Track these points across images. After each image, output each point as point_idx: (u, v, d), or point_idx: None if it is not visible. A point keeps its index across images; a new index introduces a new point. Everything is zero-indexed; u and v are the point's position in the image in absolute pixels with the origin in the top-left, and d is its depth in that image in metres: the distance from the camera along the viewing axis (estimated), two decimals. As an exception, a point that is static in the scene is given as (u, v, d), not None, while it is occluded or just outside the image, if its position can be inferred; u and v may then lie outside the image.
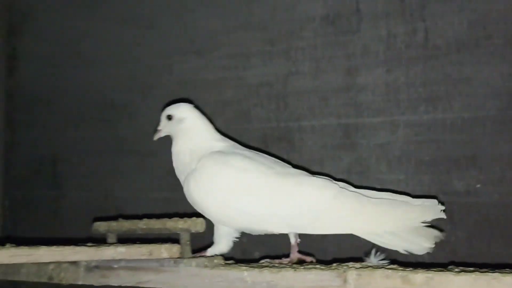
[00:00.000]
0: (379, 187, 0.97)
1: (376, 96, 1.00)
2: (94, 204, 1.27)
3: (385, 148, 0.98)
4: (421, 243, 0.70)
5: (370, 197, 0.72)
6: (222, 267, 0.61)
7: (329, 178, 0.78)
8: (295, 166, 0.91)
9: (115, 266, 0.67)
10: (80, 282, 0.70)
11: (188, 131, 0.83)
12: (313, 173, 0.86)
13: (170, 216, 0.73)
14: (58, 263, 0.72)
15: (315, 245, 0.99)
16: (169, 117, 0.85)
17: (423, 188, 0.95)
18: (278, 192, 0.71)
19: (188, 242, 0.67)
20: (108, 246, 0.63)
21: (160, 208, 1.17)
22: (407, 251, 0.72)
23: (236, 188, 0.71)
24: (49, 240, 0.74)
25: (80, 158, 1.31)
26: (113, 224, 0.76)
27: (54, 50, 1.38)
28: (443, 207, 0.72)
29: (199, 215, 0.72)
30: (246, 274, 0.58)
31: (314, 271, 0.56)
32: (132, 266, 0.65)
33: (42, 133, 1.38)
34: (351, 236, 0.76)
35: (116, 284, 0.68)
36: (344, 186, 0.75)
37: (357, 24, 1.02)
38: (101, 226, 0.78)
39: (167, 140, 1.19)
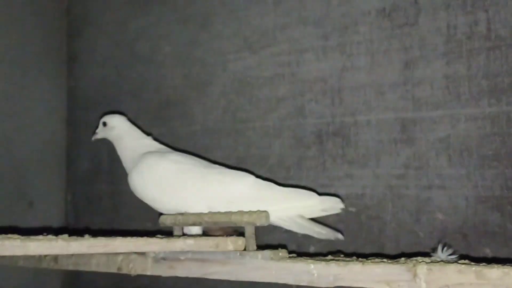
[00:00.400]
0: (439, 182, 0.95)
1: (435, 89, 0.98)
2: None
3: (445, 142, 0.96)
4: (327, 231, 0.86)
5: (280, 187, 0.87)
6: (288, 260, 0.62)
7: (247, 173, 0.93)
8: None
9: (182, 257, 0.69)
10: (148, 273, 0.73)
11: (121, 137, 1.03)
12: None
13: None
14: (127, 255, 0.75)
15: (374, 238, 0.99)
16: (104, 124, 1.05)
17: (486, 183, 0.92)
18: (204, 180, 0.88)
19: (253, 235, 0.68)
20: (178, 238, 0.65)
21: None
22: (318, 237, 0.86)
23: (170, 177, 0.88)
24: (116, 232, 0.77)
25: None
26: (179, 217, 0.78)
27: (111, 51, 1.43)
28: (342, 205, 0.90)
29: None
30: (312, 267, 0.59)
31: (382, 265, 0.56)
32: (199, 258, 0.67)
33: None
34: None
35: (183, 275, 0.70)
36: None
37: (415, 16, 1.00)
38: (167, 219, 0.81)
39: (223, 138, 1.22)
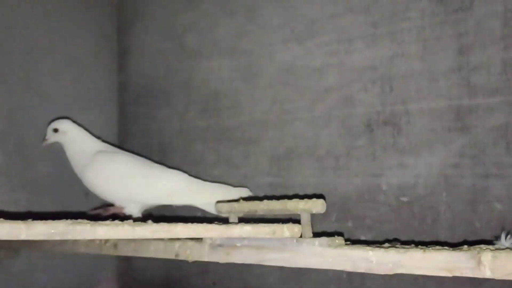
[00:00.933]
0: (496, 171, 0.93)
1: (491, 75, 0.95)
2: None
3: (503, 130, 0.93)
4: None
5: (206, 182, 1.14)
6: (345, 247, 0.62)
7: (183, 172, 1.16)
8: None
9: (239, 244, 0.70)
10: (205, 259, 0.75)
11: (73, 140, 1.13)
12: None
13: (290, 197, 0.75)
14: (184, 241, 0.77)
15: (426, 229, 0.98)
16: (55, 130, 1.14)
17: (547, 172, 0.89)
18: (149, 175, 1.10)
19: (309, 223, 0.69)
20: (236, 225, 0.67)
21: (265, 193, 1.21)
22: None
23: (121, 172, 1.07)
24: (175, 218, 0.79)
25: (187, 147, 1.39)
26: (235, 205, 0.80)
27: (160, 45, 1.47)
28: (250, 193, 1.14)
29: (319, 196, 0.74)
30: (371, 253, 0.59)
31: (444, 252, 0.55)
32: (255, 244, 0.68)
33: (151, 123, 1.48)
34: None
35: (239, 262, 0.72)
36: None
37: (470, 1, 0.97)
38: (223, 207, 0.82)
39: (270, 129, 1.23)
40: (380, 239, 1.02)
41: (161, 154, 1.45)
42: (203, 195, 1.09)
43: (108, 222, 0.60)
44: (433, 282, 0.95)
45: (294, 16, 1.21)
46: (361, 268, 0.60)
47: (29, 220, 0.56)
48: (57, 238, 0.56)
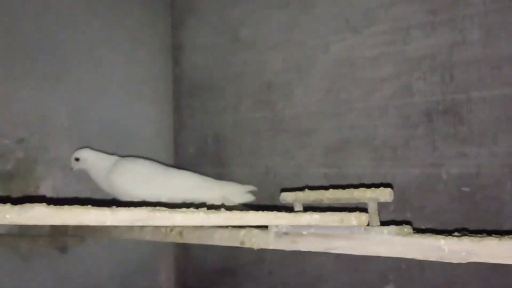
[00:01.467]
0: None
1: (561, 61, 0.91)
2: (256, 179, 1.36)
3: None
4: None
5: (215, 180, 1.25)
6: (416, 235, 0.62)
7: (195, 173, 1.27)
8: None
9: (305, 232, 0.72)
10: (270, 247, 0.77)
11: (94, 164, 1.23)
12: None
13: (355, 186, 0.76)
14: (249, 229, 0.79)
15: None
16: (77, 159, 1.24)
17: None
18: (164, 175, 1.22)
19: (376, 211, 0.69)
20: (304, 213, 0.68)
21: (319, 183, 1.22)
22: None
23: (142, 173, 1.20)
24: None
25: (241, 138, 1.42)
26: (300, 194, 0.81)
27: (214, 39, 1.50)
28: (255, 189, 1.24)
29: (386, 185, 0.74)
30: (443, 242, 0.59)
31: (521, 241, 0.54)
32: (321, 233, 0.69)
33: (206, 116, 1.51)
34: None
35: (305, 249, 0.73)
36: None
37: (537, -16, 0.94)
38: (288, 196, 0.84)
39: (325, 120, 1.24)
40: (441, 229, 1.01)
41: (215, 146, 1.48)
42: (212, 191, 1.21)
43: (184, 209, 0.62)
44: (499, 272, 0.94)
45: (349, 6, 1.20)
46: (433, 256, 0.60)
47: (114, 207, 0.59)
48: (138, 224, 0.59)
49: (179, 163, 1.59)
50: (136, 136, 1.51)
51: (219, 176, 1.46)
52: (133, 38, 1.52)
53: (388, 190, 0.69)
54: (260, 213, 0.65)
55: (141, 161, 1.25)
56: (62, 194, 1.30)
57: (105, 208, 0.58)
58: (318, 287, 1.22)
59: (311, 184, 1.23)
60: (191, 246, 1.48)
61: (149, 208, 0.60)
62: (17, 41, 1.26)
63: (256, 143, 1.38)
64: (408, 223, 1.06)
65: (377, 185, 0.75)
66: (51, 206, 0.57)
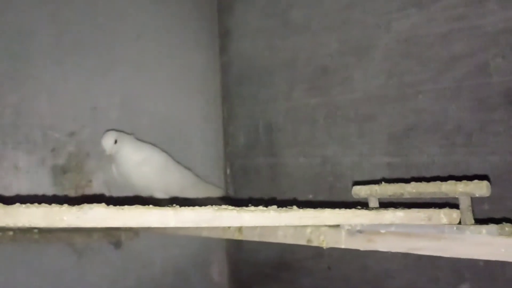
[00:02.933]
0: None
1: None
2: (311, 170, 1.29)
3: None
4: None
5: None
6: (522, 236, 0.53)
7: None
8: None
9: (383, 231, 0.64)
10: (342, 246, 0.70)
11: (124, 147, 1.17)
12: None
13: (443, 179, 0.68)
14: (317, 227, 0.72)
15: None
16: (115, 141, 1.15)
17: None
18: (181, 173, 1.27)
19: (469, 208, 0.61)
20: (386, 210, 0.61)
21: (383, 173, 1.13)
22: None
23: (163, 167, 1.23)
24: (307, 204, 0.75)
25: (294, 126, 1.34)
26: (376, 188, 0.74)
27: (262, 23, 1.42)
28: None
29: (480, 177, 0.65)
30: (558, 244, 0.50)
31: None
32: (403, 231, 0.62)
33: (256, 104, 1.45)
34: None
35: (384, 250, 0.66)
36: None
37: None
38: (362, 190, 0.77)
39: (388, 105, 1.14)
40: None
41: (267, 135, 1.42)
42: (200, 190, 1.32)
43: (252, 208, 0.56)
44: None
45: (413, -21, 1.10)
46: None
47: (176, 206, 0.54)
48: (204, 225, 0.53)
49: (230, 154, 1.54)
50: (185, 126, 1.47)
51: (272, 166, 1.40)
52: (179, 27, 1.47)
53: (485, 183, 0.61)
54: (337, 211, 0.57)
55: (162, 153, 1.26)
56: (111, 186, 1.28)
57: (168, 208, 0.53)
58: (382, 285, 1.14)
59: (372, 175, 1.14)
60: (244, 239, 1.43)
61: (214, 208, 0.54)
62: (66, 33, 1.23)
63: (311, 131, 1.30)
64: (485, 216, 0.97)
65: (469, 178, 0.66)
66: (111, 206, 0.52)
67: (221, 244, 1.47)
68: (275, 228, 0.80)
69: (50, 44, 1.21)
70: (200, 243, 1.42)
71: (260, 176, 1.44)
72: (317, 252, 1.26)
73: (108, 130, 1.19)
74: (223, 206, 0.55)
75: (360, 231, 0.67)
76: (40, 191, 1.17)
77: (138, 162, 1.17)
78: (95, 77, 1.28)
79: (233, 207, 0.55)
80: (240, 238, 0.90)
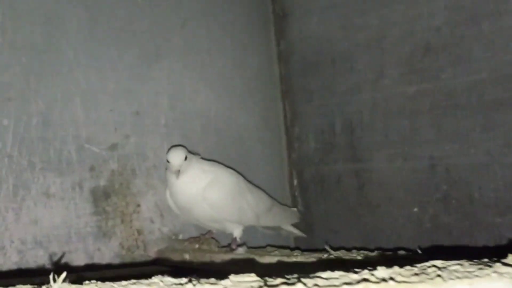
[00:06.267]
0: None
1: None
2: (414, 176, 1.02)
3: None
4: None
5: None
6: None
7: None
8: None
9: None
10: None
11: (190, 164, 0.92)
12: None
13: None
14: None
15: None
16: (186, 158, 0.92)
17: None
18: (253, 194, 1.02)
19: None
20: None
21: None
22: None
23: (236, 192, 0.98)
24: None
25: (386, 122, 1.07)
26: None
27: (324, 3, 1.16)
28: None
29: None
30: None
31: None
32: None
33: (329, 98, 1.19)
34: None
35: None
36: None
37: None
38: None
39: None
40: None
41: (347, 135, 1.15)
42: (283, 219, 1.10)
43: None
44: None
45: None
46: None
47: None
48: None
49: (296, 160, 1.27)
50: (240, 129, 1.21)
51: (357, 173, 1.13)
52: (228, 11, 1.21)
53: None
54: None
55: (234, 174, 1.01)
56: (165, 211, 1.01)
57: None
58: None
59: (509, 180, 0.87)
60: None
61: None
62: (100, 21, 0.97)
63: (412, 127, 1.04)
64: None
65: None
66: None
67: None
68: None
69: (82, 34, 0.94)
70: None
71: (340, 187, 1.17)
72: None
73: (174, 146, 0.94)
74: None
75: None
76: (78, 224, 0.90)
77: (205, 186, 0.92)
78: (137, 73, 1.02)
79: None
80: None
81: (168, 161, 0.90)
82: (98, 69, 0.96)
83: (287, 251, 0.83)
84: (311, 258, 0.73)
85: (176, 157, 0.89)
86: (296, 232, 1.13)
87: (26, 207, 0.85)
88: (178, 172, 0.88)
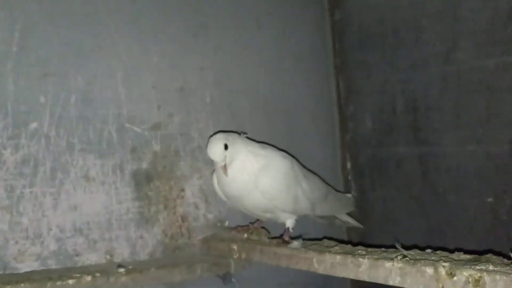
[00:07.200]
0: None
1: None
2: (490, 162, 0.91)
3: None
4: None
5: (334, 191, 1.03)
6: None
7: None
8: None
9: None
10: None
11: (237, 151, 0.83)
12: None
13: None
14: None
15: None
16: (226, 147, 0.81)
17: None
18: (308, 179, 0.93)
19: None
20: None
21: None
22: None
23: (290, 177, 0.88)
24: None
25: (458, 100, 0.95)
26: None
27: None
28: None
29: None
30: None
31: None
32: None
33: (391, 74, 1.08)
34: None
35: None
36: None
37: None
38: None
39: None
40: None
41: (410, 115, 1.04)
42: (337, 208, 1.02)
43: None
44: None
45: None
46: None
47: None
48: None
49: (350, 142, 1.17)
50: (290, 107, 1.12)
51: (421, 158, 1.02)
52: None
53: None
54: None
55: (288, 158, 0.91)
56: (210, 197, 0.94)
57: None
58: None
59: None
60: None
61: None
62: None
63: (489, 106, 0.92)
64: None
65: None
66: None
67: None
68: None
69: (124, 3, 0.86)
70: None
71: (401, 172, 1.06)
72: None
73: (213, 135, 0.84)
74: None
75: None
76: (120, 210, 0.84)
77: (257, 172, 0.82)
78: (181, 47, 0.93)
79: None
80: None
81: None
82: (140, 42, 0.88)
83: (349, 247, 0.74)
84: (380, 258, 0.63)
85: (215, 153, 0.79)
86: (352, 222, 1.03)
87: (64, 191, 0.79)
88: (224, 168, 0.79)
